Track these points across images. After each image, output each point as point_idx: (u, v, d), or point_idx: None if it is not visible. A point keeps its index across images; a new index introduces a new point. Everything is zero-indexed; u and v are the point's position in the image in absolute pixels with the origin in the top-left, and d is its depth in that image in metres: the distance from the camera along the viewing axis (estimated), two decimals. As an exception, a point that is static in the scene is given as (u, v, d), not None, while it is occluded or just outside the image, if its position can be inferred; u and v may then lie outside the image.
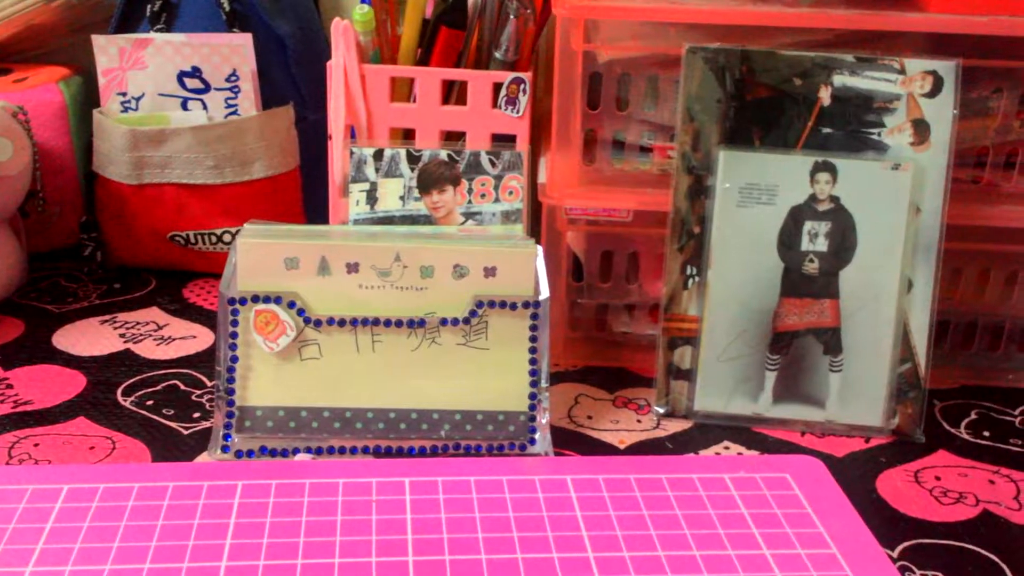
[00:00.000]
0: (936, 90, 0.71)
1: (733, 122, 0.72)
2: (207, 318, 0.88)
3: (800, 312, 0.72)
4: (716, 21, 0.74)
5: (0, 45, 1.00)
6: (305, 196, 0.98)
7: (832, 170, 0.71)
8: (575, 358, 0.83)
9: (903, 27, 0.74)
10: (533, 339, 0.69)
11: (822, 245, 0.72)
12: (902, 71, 0.71)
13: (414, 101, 0.85)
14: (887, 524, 0.64)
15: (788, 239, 0.72)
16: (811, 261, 0.72)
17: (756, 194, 0.72)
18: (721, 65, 0.72)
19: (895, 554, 0.61)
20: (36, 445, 0.69)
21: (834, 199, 0.71)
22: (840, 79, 0.71)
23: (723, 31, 0.75)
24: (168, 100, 0.93)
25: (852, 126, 0.72)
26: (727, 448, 0.72)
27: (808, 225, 0.72)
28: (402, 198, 0.77)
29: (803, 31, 0.77)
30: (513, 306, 0.69)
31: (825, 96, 0.72)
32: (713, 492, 0.64)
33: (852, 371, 0.72)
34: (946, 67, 0.71)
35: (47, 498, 0.61)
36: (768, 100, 0.72)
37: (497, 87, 0.82)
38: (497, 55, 0.84)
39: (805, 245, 0.72)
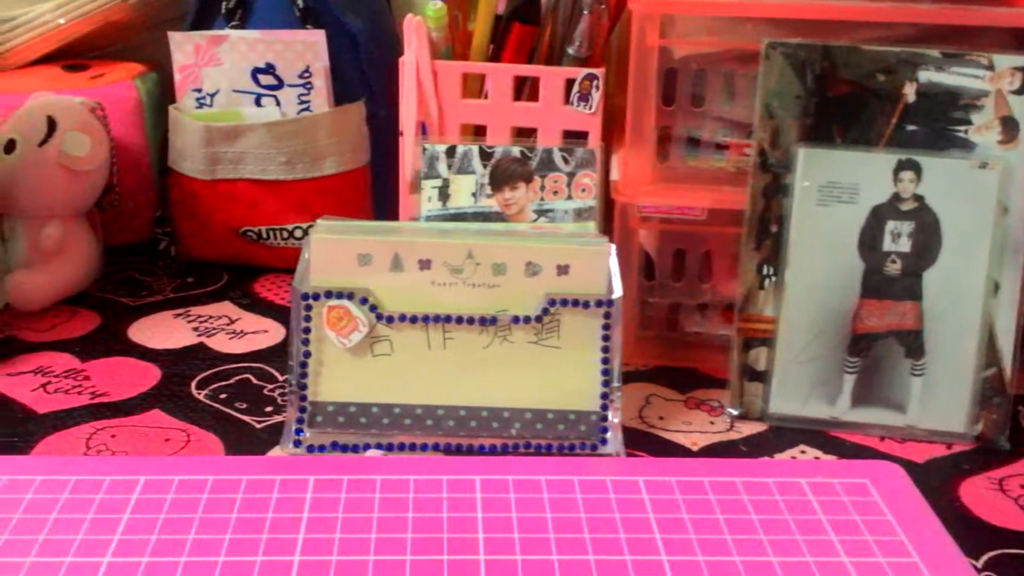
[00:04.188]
0: (1026, 86, 0.69)
1: (813, 119, 0.71)
2: (278, 313, 0.89)
3: (881, 314, 0.71)
4: (795, 15, 0.73)
5: (77, 42, 1.01)
6: (374, 192, 0.98)
7: (916, 168, 0.69)
8: (646, 358, 0.82)
9: (990, 22, 0.72)
10: (605, 338, 0.69)
11: (905, 245, 0.70)
12: (990, 67, 0.69)
13: (486, 97, 0.84)
14: (970, 533, 0.62)
15: (869, 239, 0.70)
16: (893, 262, 0.70)
17: (837, 192, 0.70)
18: (801, 60, 0.70)
19: (979, 564, 0.59)
20: (113, 436, 0.70)
21: (918, 198, 0.70)
22: (926, 75, 0.69)
23: (801, 26, 0.74)
24: (242, 96, 0.93)
25: (938, 123, 0.70)
26: (803, 452, 0.70)
27: (891, 225, 0.70)
28: (474, 195, 0.76)
29: (885, 26, 0.75)
30: (586, 304, 0.68)
31: (910, 92, 0.70)
32: (790, 497, 0.63)
33: (935, 375, 0.70)
34: (1036, 63, 0.69)
35: (124, 489, 0.62)
36: (850, 96, 0.70)
37: (569, 83, 0.81)
38: (570, 51, 0.83)
39: (887, 245, 0.70)
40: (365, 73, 0.97)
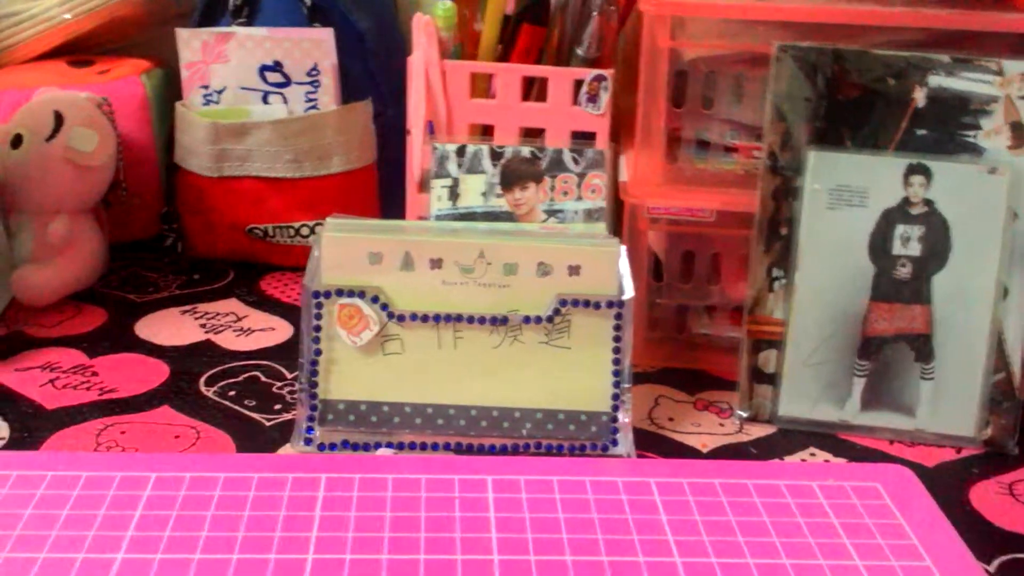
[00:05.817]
0: (1036, 92, 0.69)
1: (823, 122, 0.71)
2: (285, 310, 0.89)
3: (890, 317, 0.71)
4: (806, 19, 0.73)
5: (84, 37, 1.01)
6: (380, 191, 0.98)
7: (926, 173, 0.70)
8: (654, 359, 0.82)
9: (1001, 27, 0.72)
10: (616, 339, 0.69)
11: (915, 249, 0.70)
12: (1000, 72, 0.69)
13: (494, 97, 0.84)
14: (981, 537, 0.62)
15: (879, 242, 0.70)
16: (903, 265, 0.70)
17: (847, 196, 0.70)
18: (812, 64, 0.71)
19: (991, 568, 0.59)
20: (123, 433, 0.69)
21: (928, 202, 0.70)
22: (936, 80, 0.70)
23: (812, 29, 0.74)
24: (249, 94, 0.93)
25: (947, 128, 0.70)
26: (812, 455, 0.70)
27: (900, 229, 0.70)
28: (484, 194, 0.76)
29: (895, 30, 0.75)
30: (596, 305, 0.68)
31: (920, 97, 0.70)
32: (801, 500, 0.63)
33: (944, 379, 0.71)
34: (1047, 68, 0.69)
35: (136, 485, 0.62)
36: (860, 100, 0.71)
37: (578, 84, 0.81)
38: (578, 52, 0.83)
39: (897, 249, 0.70)
40: (372, 71, 0.97)
